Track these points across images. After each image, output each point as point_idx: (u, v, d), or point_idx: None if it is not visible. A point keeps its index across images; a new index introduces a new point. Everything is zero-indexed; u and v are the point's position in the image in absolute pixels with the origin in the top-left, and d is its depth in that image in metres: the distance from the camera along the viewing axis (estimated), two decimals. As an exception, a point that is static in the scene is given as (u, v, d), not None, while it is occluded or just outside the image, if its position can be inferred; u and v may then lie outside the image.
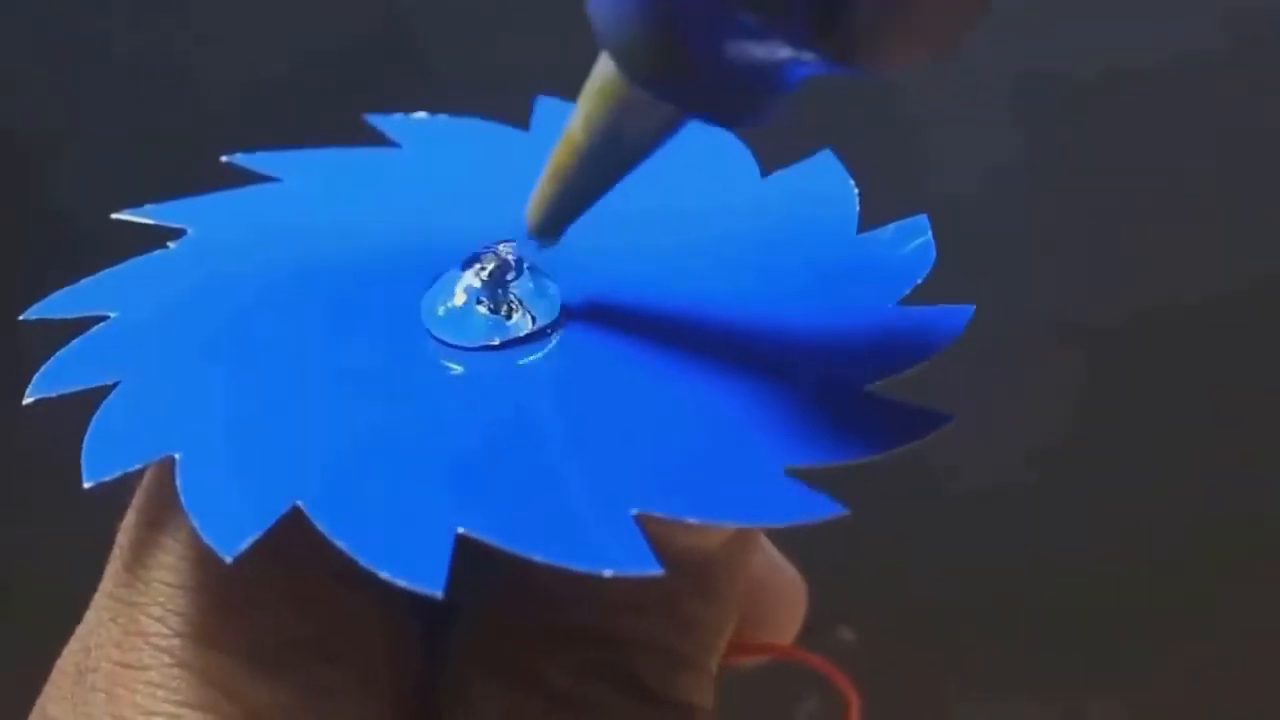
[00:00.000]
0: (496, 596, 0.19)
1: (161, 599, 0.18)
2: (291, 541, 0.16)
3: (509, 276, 0.20)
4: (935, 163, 0.48)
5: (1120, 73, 0.48)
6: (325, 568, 0.18)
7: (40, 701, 0.19)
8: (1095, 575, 0.51)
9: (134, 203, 0.22)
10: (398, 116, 0.25)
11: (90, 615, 0.19)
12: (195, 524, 0.16)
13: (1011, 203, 0.49)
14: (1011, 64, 0.48)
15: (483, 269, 0.20)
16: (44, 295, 0.21)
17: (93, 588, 0.19)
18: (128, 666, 0.18)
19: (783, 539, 0.22)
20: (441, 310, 0.20)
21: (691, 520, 0.16)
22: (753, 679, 0.23)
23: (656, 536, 0.16)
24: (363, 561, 0.16)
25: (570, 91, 0.25)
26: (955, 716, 0.52)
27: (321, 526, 0.16)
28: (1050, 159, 0.49)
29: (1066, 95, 0.49)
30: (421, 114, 0.25)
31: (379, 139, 0.24)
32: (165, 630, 0.18)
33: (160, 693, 0.18)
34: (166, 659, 0.18)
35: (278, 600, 0.18)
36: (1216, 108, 0.48)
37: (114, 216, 0.22)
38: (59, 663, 0.19)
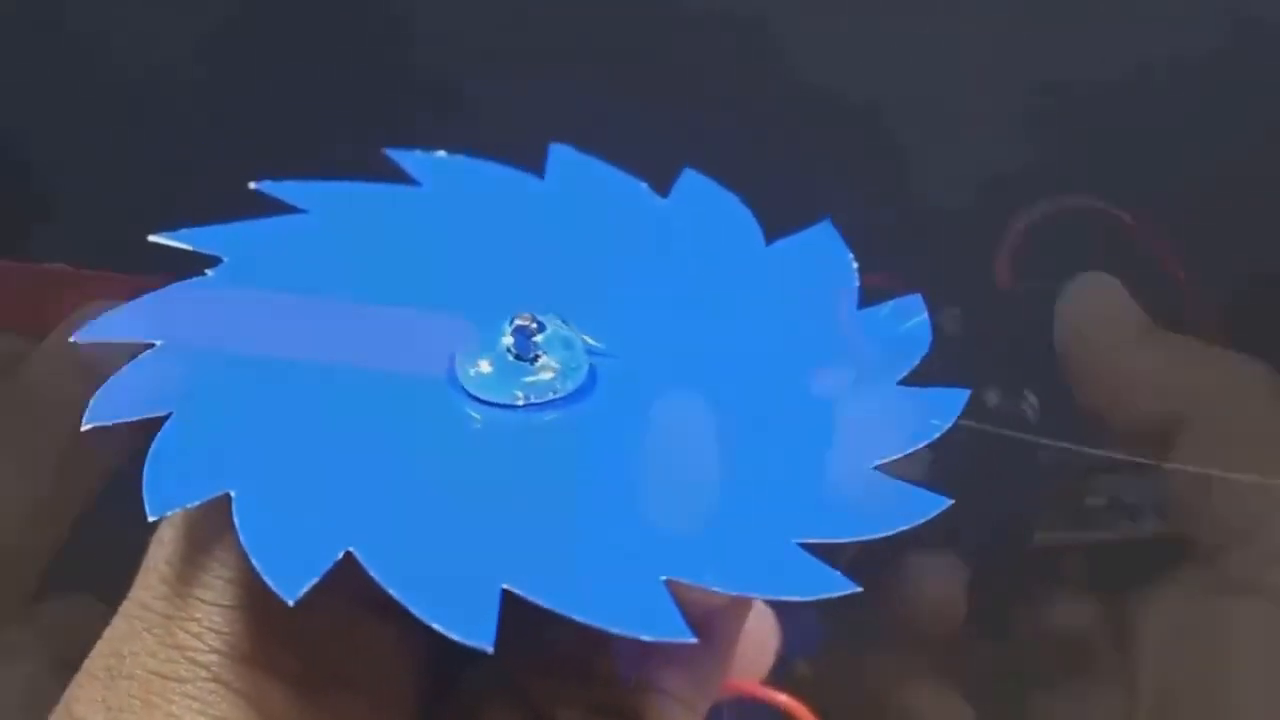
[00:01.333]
0: (516, 639, 0.20)
1: (198, 615, 0.19)
2: (335, 574, 0.18)
3: (539, 338, 0.21)
4: (938, 173, 0.48)
5: (1125, 79, 0.48)
6: (363, 601, 0.19)
7: (65, 702, 0.20)
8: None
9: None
10: (418, 153, 0.25)
11: (120, 623, 0.20)
12: (256, 565, 0.17)
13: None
14: (1017, 73, 0.48)
15: (515, 330, 0.21)
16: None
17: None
18: (164, 678, 0.19)
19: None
20: (473, 371, 0.21)
21: (718, 590, 0.18)
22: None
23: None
24: (416, 612, 0.17)
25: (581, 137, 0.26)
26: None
27: (376, 575, 0.17)
28: (1054, 169, 0.49)
29: (1072, 105, 0.49)
30: (441, 152, 0.26)
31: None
32: (203, 646, 0.19)
33: (195, 705, 0.19)
34: (204, 674, 0.19)
35: (317, 627, 0.19)
36: (1221, 110, 0.49)
37: (151, 239, 0.23)
38: (87, 664, 0.20)
